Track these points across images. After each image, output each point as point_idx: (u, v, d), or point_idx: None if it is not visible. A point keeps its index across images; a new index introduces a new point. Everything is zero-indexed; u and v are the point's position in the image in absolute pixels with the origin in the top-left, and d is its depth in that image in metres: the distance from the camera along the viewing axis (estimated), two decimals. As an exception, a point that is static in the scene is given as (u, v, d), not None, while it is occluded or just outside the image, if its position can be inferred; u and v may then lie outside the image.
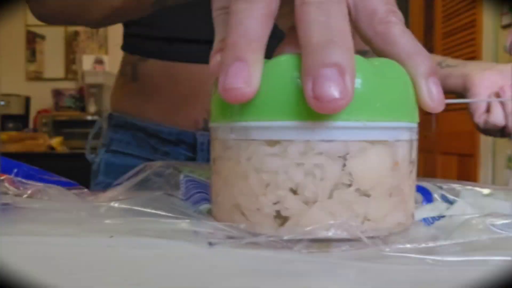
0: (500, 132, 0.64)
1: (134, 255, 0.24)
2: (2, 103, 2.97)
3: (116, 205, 0.29)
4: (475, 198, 0.36)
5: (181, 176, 0.35)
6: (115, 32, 3.20)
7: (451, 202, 0.35)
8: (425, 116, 2.50)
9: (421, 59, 0.25)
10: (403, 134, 0.25)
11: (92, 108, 2.95)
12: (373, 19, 0.26)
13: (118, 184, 0.38)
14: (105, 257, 0.23)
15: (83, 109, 3.06)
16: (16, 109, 3.03)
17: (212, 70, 0.25)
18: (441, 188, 0.39)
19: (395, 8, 0.26)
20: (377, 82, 0.24)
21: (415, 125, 0.26)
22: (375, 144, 0.24)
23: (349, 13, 0.26)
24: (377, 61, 0.25)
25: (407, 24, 0.26)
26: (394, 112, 0.25)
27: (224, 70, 0.23)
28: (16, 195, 0.32)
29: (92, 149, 0.75)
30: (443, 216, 0.28)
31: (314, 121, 0.23)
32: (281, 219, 0.24)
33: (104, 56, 3.22)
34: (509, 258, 0.22)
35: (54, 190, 0.32)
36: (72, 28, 3.26)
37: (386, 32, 0.26)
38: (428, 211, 0.33)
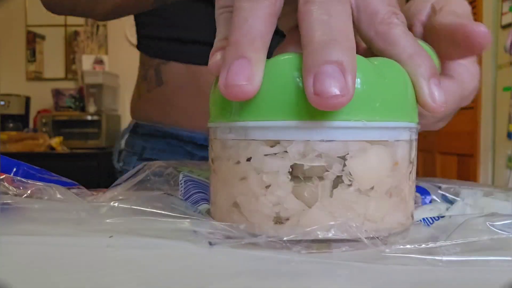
0: None
1: (134, 255, 0.24)
2: (2, 103, 2.96)
3: (116, 204, 0.29)
4: (475, 198, 0.36)
5: (181, 176, 0.35)
6: (115, 32, 3.21)
7: (451, 202, 0.35)
8: (425, 116, 2.49)
9: (422, 60, 0.25)
10: (403, 134, 0.25)
11: (92, 108, 2.95)
12: (374, 20, 0.26)
13: (118, 184, 0.38)
14: (105, 257, 0.23)
15: (83, 109, 3.06)
16: (16, 109, 3.03)
17: (210, 68, 0.25)
18: (440, 188, 0.39)
19: (397, 9, 0.26)
20: (377, 82, 0.24)
21: (414, 125, 0.26)
22: (375, 144, 0.24)
23: (351, 14, 0.26)
24: (377, 61, 0.25)
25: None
26: (394, 112, 0.24)
27: (226, 67, 0.23)
28: (16, 195, 0.32)
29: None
30: (442, 217, 0.28)
31: (314, 120, 0.23)
32: (280, 219, 0.24)
33: (104, 56, 3.22)
34: (509, 258, 0.22)
35: (54, 190, 0.32)
36: (72, 28, 3.25)
37: (387, 32, 0.26)
38: (427, 211, 0.33)
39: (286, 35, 0.29)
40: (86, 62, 3.17)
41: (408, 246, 0.22)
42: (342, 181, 0.23)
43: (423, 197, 0.35)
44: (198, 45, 0.64)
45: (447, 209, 0.34)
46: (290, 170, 0.23)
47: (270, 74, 0.23)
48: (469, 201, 0.35)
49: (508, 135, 1.94)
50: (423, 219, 0.28)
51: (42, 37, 3.27)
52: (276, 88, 0.23)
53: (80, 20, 3.18)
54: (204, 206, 0.31)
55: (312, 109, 0.22)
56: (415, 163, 0.27)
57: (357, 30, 0.27)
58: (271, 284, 0.20)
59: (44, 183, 0.33)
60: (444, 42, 0.30)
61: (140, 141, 0.70)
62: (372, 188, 0.24)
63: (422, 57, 0.25)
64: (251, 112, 0.24)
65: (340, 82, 0.21)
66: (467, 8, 0.33)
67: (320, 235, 0.23)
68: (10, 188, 0.32)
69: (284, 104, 0.23)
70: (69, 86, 3.24)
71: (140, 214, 0.28)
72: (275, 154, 0.24)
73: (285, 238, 0.23)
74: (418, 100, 0.26)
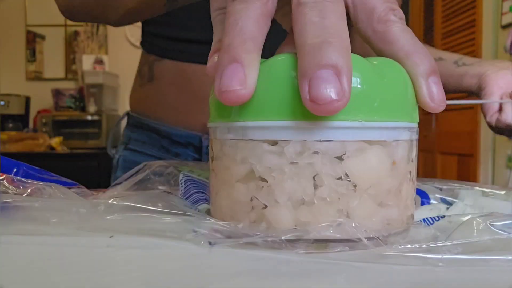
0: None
1: (134, 255, 0.24)
2: (2, 103, 2.96)
3: (116, 203, 0.29)
4: (474, 198, 0.36)
5: (181, 176, 0.35)
6: (115, 32, 3.21)
7: (450, 204, 0.35)
8: (425, 116, 2.50)
9: (420, 58, 0.25)
10: (402, 134, 0.25)
11: (92, 108, 2.95)
12: (372, 18, 0.26)
13: (118, 184, 0.38)
14: (105, 257, 0.23)
15: (83, 109, 3.06)
16: (16, 109, 3.03)
17: (208, 71, 0.25)
18: (440, 190, 0.39)
19: (395, 5, 0.26)
20: (375, 82, 0.24)
21: (414, 125, 0.26)
22: (373, 144, 0.24)
23: (348, 12, 0.26)
24: (375, 60, 0.25)
25: (407, 24, 0.26)
26: (393, 112, 0.24)
27: (220, 72, 0.23)
28: (15, 194, 0.32)
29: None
30: (443, 217, 0.28)
31: (311, 121, 0.23)
32: (278, 219, 0.24)
33: (104, 56, 3.22)
34: (509, 258, 0.22)
35: (54, 189, 0.32)
36: (72, 28, 3.26)
37: (385, 31, 0.25)
38: (427, 211, 0.33)
39: (287, 34, 0.29)
40: (86, 62, 3.17)
41: (408, 246, 0.22)
42: (340, 182, 0.23)
43: (422, 200, 0.35)
44: (190, 44, 0.65)
45: (447, 209, 0.34)
46: (288, 170, 0.23)
47: (268, 75, 0.23)
48: (469, 202, 0.35)
49: (508, 135, 1.94)
50: (424, 219, 0.28)
51: (42, 37, 3.27)
52: (274, 88, 0.23)
53: (80, 20, 3.18)
54: (204, 206, 0.31)
55: None
56: (415, 163, 0.27)
57: (355, 28, 0.27)
58: (271, 284, 0.20)
59: (44, 182, 0.33)
60: None
61: (129, 131, 0.73)
62: (371, 188, 0.24)
63: (421, 55, 0.25)
64: (249, 113, 0.24)
65: (335, 86, 0.21)
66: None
67: (319, 235, 0.23)
68: (10, 187, 0.32)
69: (282, 104, 0.23)
70: (69, 86, 3.25)
71: (140, 212, 0.28)
72: (273, 153, 0.24)
73: (283, 238, 0.23)
74: (417, 99, 0.26)
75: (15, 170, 0.35)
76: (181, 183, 0.34)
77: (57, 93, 3.15)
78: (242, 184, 0.25)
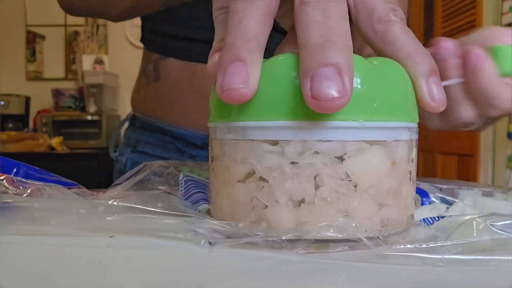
0: None
1: (134, 255, 0.24)
2: (2, 103, 2.96)
3: (116, 203, 0.29)
4: (474, 198, 0.36)
5: (181, 176, 0.35)
6: (115, 32, 3.21)
7: (450, 204, 0.35)
8: (425, 116, 2.49)
9: (421, 59, 0.25)
10: (402, 134, 0.25)
11: (92, 108, 2.95)
12: (372, 18, 0.26)
13: (118, 184, 0.38)
14: (105, 257, 0.23)
15: (83, 109, 3.06)
16: (16, 109, 3.03)
17: (209, 70, 0.25)
18: (440, 190, 0.39)
19: (395, 6, 0.26)
20: (375, 82, 0.24)
21: (414, 125, 0.26)
22: (374, 144, 0.24)
23: (350, 12, 0.26)
24: (376, 60, 0.25)
25: (407, 24, 0.26)
26: (393, 112, 0.24)
27: (222, 70, 0.23)
28: (15, 194, 0.32)
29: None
30: (443, 217, 0.28)
31: (312, 121, 0.23)
32: (279, 219, 0.24)
33: (104, 56, 3.22)
34: (510, 258, 0.22)
35: (54, 189, 0.32)
36: (72, 28, 3.26)
37: (386, 31, 0.25)
38: (427, 211, 0.33)
39: (287, 34, 0.29)
40: (86, 62, 3.17)
41: (408, 246, 0.22)
42: (340, 182, 0.23)
43: (423, 199, 0.35)
44: (196, 43, 0.64)
45: (447, 209, 0.34)
46: (288, 170, 0.23)
47: (268, 75, 0.23)
48: (469, 202, 0.35)
49: (508, 135, 1.94)
50: (424, 219, 0.28)
51: (42, 37, 3.27)
52: (275, 88, 0.23)
53: (80, 20, 3.18)
54: (204, 206, 0.31)
55: (310, 109, 0.22)
56: (415, 163, 0.27)
57: (356, 28, 0.27)
58: (271, 284, 0.20)
59: (44, 182, 0.33)
60: None
61: (136, 134, 0.71)
62: (371, 188, 0.24)
63: (421, 55, 0.25)
64: (249, 112, 0.24)
65: (337, 84, 0.21)
66: None
67: (319, 234, 0.23)
68: (10, 188, 0.32)
69: (282, 104, 0.23)
70: (69, 86, 3.24)
71: (140, 213, 0.28)
72: (273, 153, 0.24)
73: (283, 238, 0.23)
74: (417, 100, 0.26)
75: (15, 170, 0.35)
76: (181, 183, 0.34)
77: (57, 93, 3.15)
78: (242, 184, 0.25)
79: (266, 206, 0.24)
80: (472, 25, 2.25)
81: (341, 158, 0.23)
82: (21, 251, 0.24)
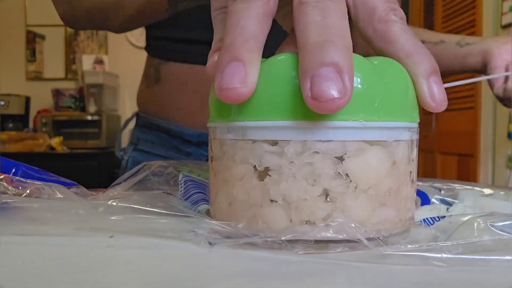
0: None
1: (134, 255, 0.24)
2: (2, 103, 2.96)
3: (115, 203, 0.29)
4: (475, 198, 0.36)
5: (180, 176, 0.35)
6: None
7: (450, 205, 0.35)
8: (425, 116, 2.50)
9: (421, 58, 0.25)
10: (403, 134, 0.25)
11: (92, 108, 2.95)
12: (372, 18, 0.25)
13: (118, 184, 0.38)
14: (105, 257, 0.23)
15: (83, 109, 3.06)
16: (16, 109, 3.03)
17: (208, 70, 0.25)
18: (440, 190, 0.39)
19: (395, 5, 0.26)
20: (375, 81, 0.24)
21: (415, 125, 0.26)
22: (374, 144, 0.24)
23: (349, 11, 0.26)
24: (376, 60, 0.25)
25: (407, 24, 0.26)
26: (393, 111, 0.24)
27: (220, 70, 0.22)
28: (15, 194, 0.32)
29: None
30: (443, 217, 0.28)
31: (312, 121, 0.23)
32: (280, 220, 0.24)
33: (104, 56, 3.22)
34: (510, 258, 0.22)
35: (53, 189, 0.32)
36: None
37: (386, 30, 0.25)
38: (428, 211, 0.32)
39: (288, 34, 0.29)
40: (86, 62, 3.17)
41: (408, 246, 0.22)
42: (340, 182, 0.23)
43: (423, 201, 0.35)
44: (195, 44, 0.65)
45: (447, 209, 0.34)
46: (288, 169, 0.23)
47: (268, 74, 0.23)
48: (469, 203, 0.35)
49: (508, 135, 1.94)
50: (424, 219, 0.28)
51: (42, 37, 3.27)
52: (274, 88, 0.23)
53: (80, 20, 3.18)
54: (203, 206, 0.31)
55: (310, 109, 0.22)
56: (415, 163, 0.27)
57: (356, 28, 0.27)
58: (271, 284, 0.20)
59: (43, 182, 0.33)
60: None
61: (138, 132, 0.73)
62: (371, 188, 0.24)
63: (421, 55, 0.25)
64: (249, 112, 0.24)
65: (337, 84, 0.21)
66: None
67: (319, 235, 0.23)
68: (9, 188, 0.32)
69: (282, 104, 0.23)
70: (69, 86, 3.25)
71: (140, 213, 0.28)
72: (273, 153, 0.24)
73: (283, 238, 0.23)
74: (418, 99, 0.26)
75: (14, 170, 0.35)
76: (180, 184, 0.34)
77: (57, 93, 3.15)
78: (242, 184, 0.25)
79: (266, 206, 0.24)
80: (472, 25, 2.25)
81: (341, 158, 0.23)
82: (21, 251, 0.24)
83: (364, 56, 0.24)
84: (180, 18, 0.65)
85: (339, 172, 0.23)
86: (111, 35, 3.25)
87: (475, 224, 0.25)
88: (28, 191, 0.32)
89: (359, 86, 0.23)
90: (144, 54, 0.75)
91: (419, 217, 0.29)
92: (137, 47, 3.13)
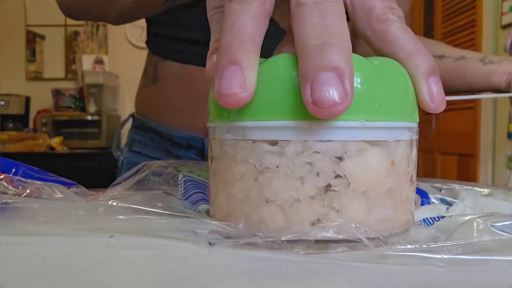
0: None
1: (134, 255, 0.24)
2: (2, 103, 2.96)
3: (115, 203, 0.29)
4: (474, 198, 0.36)
5: (180, 176, 0.35)
6: (115, 32, 3.21)
7: (450, 205, 0.35)
8: (425, 116, 2.50)
9: (420, 58, 0.25)
10: (403, 134, 0.25)
11: (92, 108, 2.95)
12: (370, 17, 0.25)
13: (117, 184, 0.38)
14: (105, 257, 0.23)
15: (83, 109, 3.06)
16: (16, 109, 3.03)
17: (207, 72, 0.25)
18: (440, 190, 0.38)
19: (393, 4, 0.26)
20: (376, 82, 0.24)
21: (415, 125, 0.26)
22: (374, 144, 0.24)
23: (347, 11, 0.26)
24: (376, 60, 0.25)
25: (409, 24, 0.26)
26: (393, 112, 0.24)
27: (219, 74, 0.22)
28: (15, 194, 0.32)
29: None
30: (443, 217, 0.28)
31: (312, 121, 0.23)
32: (279, 220, 0.24)
33: (104, 56, 3.22)
34: (510, 258, 0.22)
35: (53, 189, 0.32)
36: (72, 28, 3.26)
37: (384, 30, 0.25)
38: (427, 211, 0.32)
39: (286, 33, 0.29)
40: (86, 62, 3.17)
41: (408, 246, 0.22)
42: (340, 182, 0.23)
43: (422, 199, 0.35)
44: (195, 45, 0.65)
45: (447, 209, 0.34)
46: (288, 170, 0.23)
47: (268, 74, 0.23)
48: (469, 203, 0.35)
49: (508, 135, 1.94)
50: (424, 219, 0.28)
51: (42, 37, 3.27)
52: (274, 88, 0.23)
53: (80, 21, 3.18)
54: (203, 206, 0.31)
55: None
56: (415, 163, 0.27)
57: (354, 28, 0.27)
58: (271, 284, 0.20)
59: (43, 182, 0.33)
60: None
61: (132, 133, 0.73)
62: (371, 188, 0.24)
63: (421, 55, 0.25)
64: (249, 112, 0.24)
65: (338, 89, 0.21)
66: None
67: (319, 235, 0.23)
68: (9, 187, 0.32)
69: (282, 104, 0.23)
70: (69, 86, 3.25)
71: (140, 213, 0.28)
72: (273, 153, 0.24)
73: (283, 239, 0.23)
74: (417, 100, 0.26)
75: (13, 170, 0.35)
76: (180, 184, 0.34)
77: (57, 93, 3.15)
78: (242, 184, 0.25)
79: (265, 206, 0.24)
80: (472, 25, 2.25)
81: (341, 158, 0.23)
82: (21, 251, 0.24)
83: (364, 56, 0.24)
84: (180, 18, 0.65)
85: (339, 172, 0.23)
86: (111, 35, 3.25)
87: (475, 224, 0.25)
88: (28, 191, 0.32)
89: (359, 86, 0.23)
90: (144, 54, 0.75)
91: (419, 217, 0.29)
92: (137, 47, 3.13)
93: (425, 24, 2.79)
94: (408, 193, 0.26)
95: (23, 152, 2.61)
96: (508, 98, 0.63)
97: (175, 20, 0.66)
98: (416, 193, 0.35)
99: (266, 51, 0.26)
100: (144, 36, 0.75)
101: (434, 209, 0.33)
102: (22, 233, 0.26)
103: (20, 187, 0.32)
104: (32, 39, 3.25)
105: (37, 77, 3.28)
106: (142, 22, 0.72)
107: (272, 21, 0.26)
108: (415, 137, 0.26)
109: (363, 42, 0.27)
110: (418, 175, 0.28)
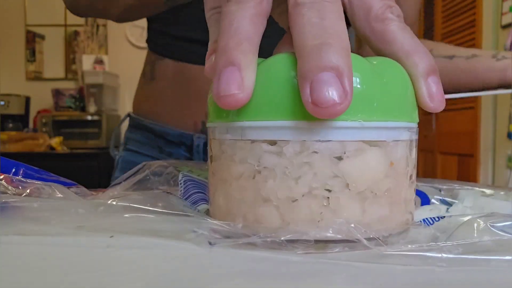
0: None
1: (134, 255, 0.24)
2: (2, 103, 2.96)
3: (115, 203, 0.29)
4: (474, 198, 0.36)
5: (180, 176, 0.35)
6: (115, 32, 3.21)
7: (450, 205, 0.35)
8: (425, 116, 2.50)
9: (419, 58, 0.25)
10: (402, 134, 0.25)
11: (92, 108, 2.95)
12: (369, 16, 0.25)
13: (117, 184, 0.38)
14: (105, 257, 0.23)
15: (83, 109, 3.06)
16: (16, 109, 3.03)
17: (207, 73, 0.25)
18: (440, 191, 0.38)
19: (392, 2, 0.25)
20: (375, 81, 0.24)
21: (414, 125, 0.26)
22: (373, 145, 0.24)
23: (345, 11, 0.26)
24: (376, 60, 0.25)
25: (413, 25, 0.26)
26: (392, 112, 0.24)
27: (217, 75, 0.22)
28: (14, 194, 0.32)
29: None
30: (443, 217, 0.28)
31: (311, 121, 0.23)
32: (277, 219, 0.24)
33: (104, 56, 3.22)
34: (510, 258, 0.22)
35: (53, 188, 0.32)
36: (72, 28, 3.26)
37: (383, 30, 0.25)
38: (427, 211, 0.32)
39: (285, 33, 0.29)
40: (86, 62, 3.17)
41: (408, 246, 0.22)
42: (339, 182, 0.23)
43: (422, 201, 0.35)
44: (192, 43, 0.65)
45: (447, 209, 0.34)
46: (286, 170, 0.23)
47: (266, 75, 0.23)
48: (469, 204, 0.34)
49: (508, 135, 1.94)
50: (424, 219, 0.28)
51: (42, 37, 3.27)
52: (273, 88, 0.23)
53: (80, 20, 3.18)
54: (203, 206, 0.31)
55: None
56: (415, 163, 0.27)
57: (353, 27, 0.26)
58: (271, 284, 0.20)
59: (43, 182, 0.33)
60: None
61: (128, 132, 0.74)
62: (370, 188, 0.24)
63: (420, 54, 0.25)
64: (248, 113, 0.24)
65: (337, 89, 0.21)
66: None
67: (318, 235, 0.23)
68: (9, 187, 0.32)
69: (281, 104, 0.23)
70: (69, 86, 3.25)
71: (140, 213, 0.28)
72: (272, 153, 0.24)
73: (282, 238, 0.23)
74: (416, 99, 0.26)
75: (13, 170, 0.35)
76: (180, 183, 0.34)
77: (57, 93, 3.15)
78: (240, 184, 0.25)
79: (263, 205, 0.24)
80: (472, 25, 2.25)
81: (340, 158, 0.23)
82: (21, 251, 0.24)
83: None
84: (181, 18, 0.66)
85: (337, 172, 0.23)
86: (111, 35, 3.25)
87: (475, 224, 0.24)
88: (28, 191, 0.32)
89: (358, 86, 0.23)
90: (144, 54, 0.75)
91: (419, 217, 0.28)
92: (137, 47, 3.13)
93: (425, 24, 2.79)
94: (407, 193, 0.26)
95: (23, 152, 2.61)
96: (510, 95, 0.62)
97: (175, 18, 0.66)
98: (416, 194, 0.35)
99: (265, 51, 0.26)
100: (144, 36, 0.75)
101: (434, 209, 0.33)
102: (22, 233, 0.26)
103: (20, 187, 0.32)
104: (32, 39, 3.25)
105: (37, 77, 3.28)
106: (142, 22, 0.72)
107: (271, 21, 0.25)
108: (414, 137, 0.26)
109: (368, 49, 0.27)
110: (418, 175, 0.28)
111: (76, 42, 3.29)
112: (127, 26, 3.11)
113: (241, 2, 0.23)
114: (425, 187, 0.39)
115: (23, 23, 3.22)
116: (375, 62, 0.24)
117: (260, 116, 0.24)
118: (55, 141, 2.79)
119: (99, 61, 3.19)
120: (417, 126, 0.27)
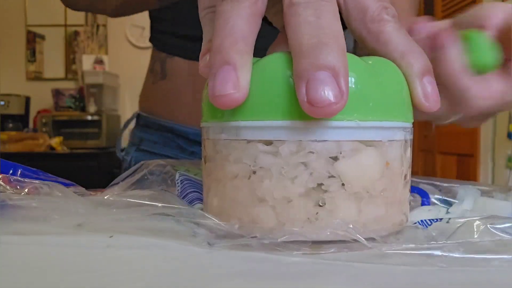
0: None
1: (134, 255, 0.24)
2: (2, 103, 2.96)
3: (114, 203, 0.29)
4: (474, 198, 0.35)
5: (177, 175, 0.35)
6: (115, 32, 3.21)
7: (450, 205, 0.35)
8: (425, 116, 2.49)
9: (414, 58, 0.25)
10: (397, 134, 0.25)
11: (92, 108, 2.95)
12: (365, 17, 0.25)
13: (116, 184, 0.38)
14: (105, 257, 0.23)
15: (83, 109, 3.06)
16: (16, 109, 3.03)
17: (202, 72, 0.25)
18: (440, 190, 0.38)
19: (387, 3, 0.26)
20: (370, 81, 0.24)
21: (409, 125, 0.26)
22: (368, 144, 0.24)
23: (340, 11, 0.26)
24: (371, 60, 0.25)
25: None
26: (388, 111, 0.24)
27: (212, 74, 0.22)
28: (13, 194, 0.32)
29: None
30: (440, 219, 0.28)
31: (307, 120, 0.23)
32: (273, 220, 0.24)
33: (104, 56, 3.22)
34: (510, 257, 0.22)
35: (52, 187, 0.32)
36: (72, 28, 3.25)
37: (379, 31, 0.25)
38: (426, 212, 0.32)
39: (279, 33, 0.29)
40: (86, 62, 3.17)
41: (408, 246, 0.22)
42: (335, 181, 0.23)
43: (423, 199, 0.35)
44: (198, 42, 0.65)
45: (447, 211, 0.34)
46: (282, 170, 0.23)
47: (262, 74, 0.23)
48: (468, 205, 0.34)
49: (508, 135, 1.94)
50: (421, 221, 0.28)
51: (42, 37, 3.27)
52: (268, 88, 0.23)
53: (80, 20, 3.19)
54: (198, 206, 0.31)
55: None
56: (410, 163, 0.27)
57: (348, 28, 0.26)
58: (271, 285, 0.20)
59: (41, 181, 0.33)
60: None
61: (140, 132, 0.72)
62: (365, 188, 0.24)
63: (415, 54, 0.25)
64: (243, 112, 0.24)
65: (333, 88, 0.21)
66: None
67: (315, 236, 0.23)
68: (7, 187, 0.32)
69: (276, 104, 0.23)
70: (69, 86, 3.25)
71: (140, 213, 0.28)
72: (267, 153, 0.23)
73: (279, 240, 0.23)
74: (412, 99, 0.26)
75: (11, 171, 0.35)
76: (177, 183, 0.34)
77: (57, 93, 3.15)
78: (235, 184, 0.24)
79: (258, 205, 0.24)
80: (472, 25, 2.25)
81: (335, 158, 0.23)
82: (21, 251, 0.24)
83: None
84: (181, 17, 0.66)
85: (333, 172, 0.23)
86: (111, 35, 3.25)
87: (475, 226, 0.24)
88: (26, 190, 0.32)
89: (354, 86, 0.23)
90: (144, 54, 0.75)
91: (416, 217, 0.28)
92: (137, 47, 3.13)
93: (425, 24, 2.78)
94: (402, 193, 0.26)
95: (23, 152, 2.61)
96: None
97: (177, 17, 0.66)
98: (417, 193, 0.35)
99: (261, 51, 0.26)
100: (144, 36, 0.75)
101: (433, 210, 0.33)
102: (21, 233, 0.26)
103: (18, 187, 0.32)
104: (32, 39, 3.25)
105: (37, 77, 3.28)
106: (142, 22, 0.72)
107: (266, 21, 0.25)
108: (409, 137, 0.26)
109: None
110: (418, 175, 0.28)
111: (76, 42, 3.29)
112: (127, 26, 3.11)
113: (236, 1, 0.23)
114: (424, 186, 0.39)
115: (23, 23, 3.22)
116: (370, 62, 0.24)
117: (255, 116, 0.23)
118: (55, 141, 2.79)
119: (99, 61, 3.19)
120: (411, 126, 0.27)
